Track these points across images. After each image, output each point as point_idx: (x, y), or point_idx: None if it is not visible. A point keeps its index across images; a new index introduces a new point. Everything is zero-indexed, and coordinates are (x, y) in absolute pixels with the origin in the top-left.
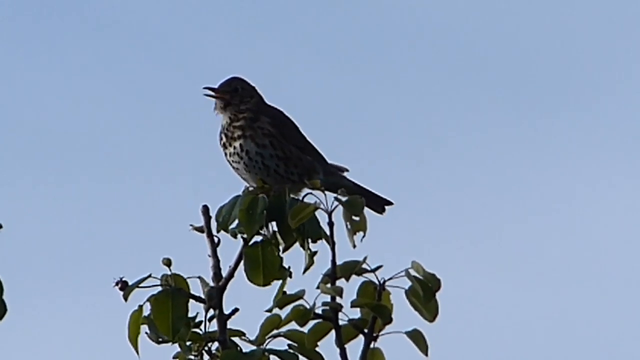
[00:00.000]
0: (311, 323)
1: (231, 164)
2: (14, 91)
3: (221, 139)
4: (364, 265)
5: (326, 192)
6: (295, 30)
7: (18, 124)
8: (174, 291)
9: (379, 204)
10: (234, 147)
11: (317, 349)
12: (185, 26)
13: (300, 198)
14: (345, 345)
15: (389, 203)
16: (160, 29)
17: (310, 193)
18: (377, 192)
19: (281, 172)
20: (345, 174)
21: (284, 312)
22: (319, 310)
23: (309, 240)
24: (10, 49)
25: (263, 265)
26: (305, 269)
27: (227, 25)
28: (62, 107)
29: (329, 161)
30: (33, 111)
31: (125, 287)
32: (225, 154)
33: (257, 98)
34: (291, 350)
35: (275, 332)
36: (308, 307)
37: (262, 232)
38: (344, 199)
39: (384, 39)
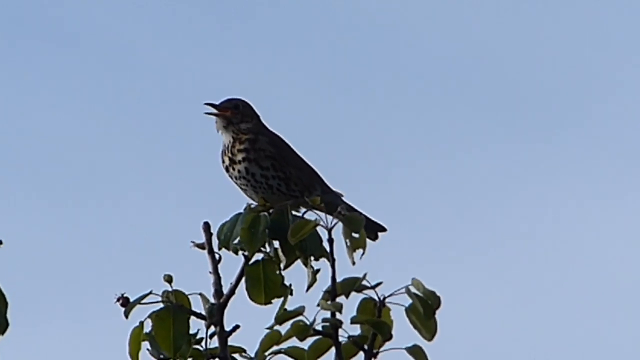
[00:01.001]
0: (311, 339)
1: (239, 186)
2: (14, 114)
3: (223, 161)
4: (364, 282)
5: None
6: (291, 55)
7: (18, 141)
8: (175, 308)
9: (372, 230)
10: (239, 171)
11: None
12: (183, 49)
13: (301, 215)
14: None
15: (383, 229)
16: (159, 50)
17: (310, 210)
18: (371, 217)
19: (283, 190)
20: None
21: (284, 328)
22: (318, 327)
23: (312, 258)
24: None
25: (264, 284)
26: (309, 287)
27: (225, 48)
28: (66, 124)
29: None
30: (36, 128)
31: (127, 303)
32: (230, 177)
33: (256, 120)
34: None
35: (275, 348)
36: (308, 323)
37: (263, 249)
38: (344, 215)
39: (377, 65)
